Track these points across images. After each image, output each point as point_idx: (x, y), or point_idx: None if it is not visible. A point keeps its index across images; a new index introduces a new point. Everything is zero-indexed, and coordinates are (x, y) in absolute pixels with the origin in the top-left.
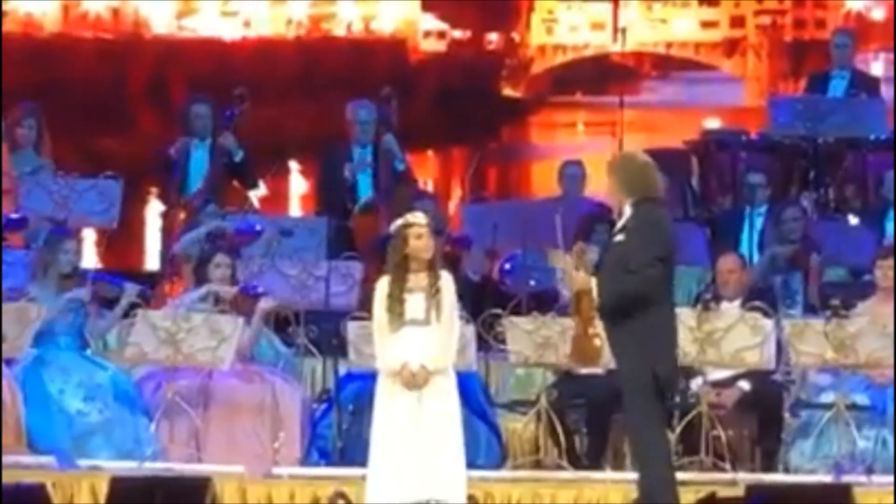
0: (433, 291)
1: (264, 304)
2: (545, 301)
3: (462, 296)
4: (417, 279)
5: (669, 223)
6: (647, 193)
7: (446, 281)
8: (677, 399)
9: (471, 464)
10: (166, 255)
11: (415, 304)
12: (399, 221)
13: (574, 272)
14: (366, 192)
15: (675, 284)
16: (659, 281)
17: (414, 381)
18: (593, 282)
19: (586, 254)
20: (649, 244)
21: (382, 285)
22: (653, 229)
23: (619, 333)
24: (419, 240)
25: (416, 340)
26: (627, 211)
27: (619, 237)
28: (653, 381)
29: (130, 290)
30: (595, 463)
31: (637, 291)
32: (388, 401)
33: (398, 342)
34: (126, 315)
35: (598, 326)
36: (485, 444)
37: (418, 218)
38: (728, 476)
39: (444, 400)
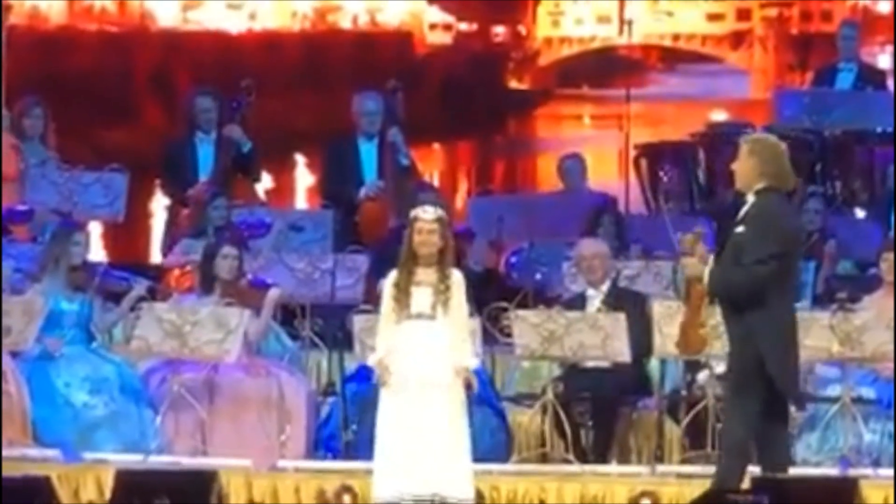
0: (442, 287)
1: (274, 294)
2: (551, 294)
3: (467, 288)
4: (426, 274)
5: (794, 217)
6: (775, 183)
7: (457, 279)
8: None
9: (478, 451)
10: (171, 249)
11: (422, 297)
12: (411, 214)
13: (687, 259)
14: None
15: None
16: (772, 278)
17: (383, 376)
18: (706, 270)
19: (701, 240)
20: (765, 240)
21: (390, 277)
22: (772, 224)
23: (732, 324)
24: (419, 235)
25: (421, 334)
26: (750, 199)
27: (740, 228)
28: (759, 378)
29: (140, 285)
30: (601, 457)
31: (744, 286)
32: (393, 395)
33: (402, 335)
34: (131, 307)
35: (706, 315)
36: (492, 431)
37: (426, 213)
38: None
39: (451, 395)
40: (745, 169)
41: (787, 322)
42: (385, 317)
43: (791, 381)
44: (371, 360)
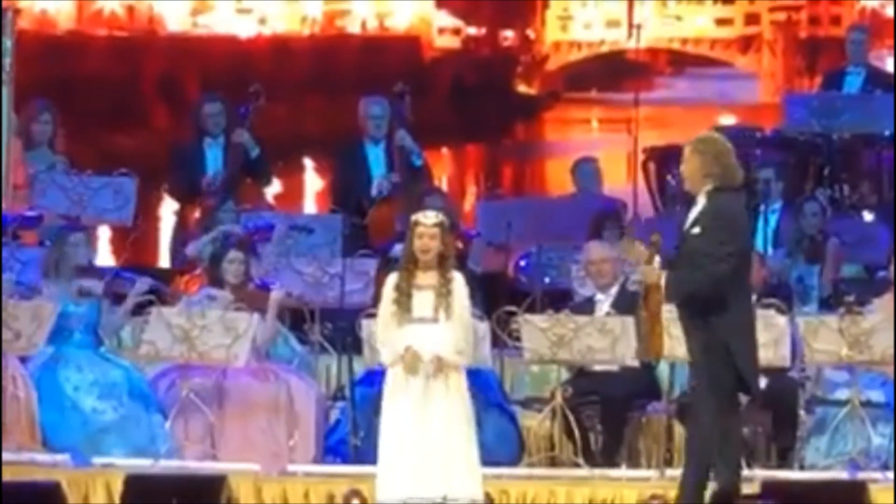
0: (443, 291)
1: (276, 295)
2: (560, 298)
3: (473, 290)
4: (427, 277)
5: (745, 215)
6: (723, 182)
7: (458, 281)
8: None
9: (490, 455)
10: (179, 253)
11: (423, 301)
12: (412, 217)
13: (645, 265)
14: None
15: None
16: (732, 277)
17: (413, 363)
18: (663, 276)
19: (659, 247)
20: (721, 238)
21: (391, 279)
22: (728, 222)
23: (694, 332)
24: (420, 239)
25: (423, 337)
26: (701, 200)
27: (695, 229)
28: (732, 378)
29: (140, 285)
30: (610, 460)
31: (705, 286)
32: (395, 398)
33: (404, 339)
34: (140, 311)
35: (665, 322)
36: (504, 436)
37: (427, 217)
38: (743, 473)
39: (453, 396)
40: (690, 169)
41: (749, 320)
42: (385, 319)
43: (756, 379)
44: (392, 358)
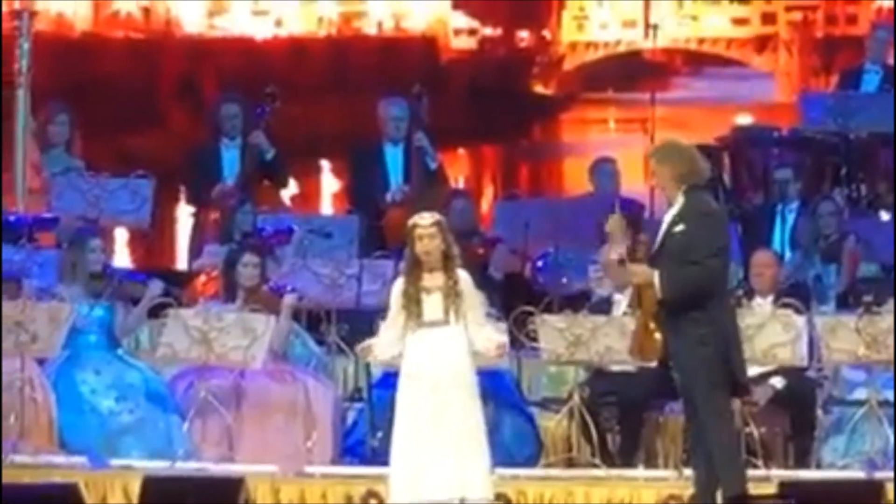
0: (451, 292)
1: (289, 300)
2: (577, 299)
3: (492, 293)
4: (433, 279)
5: (723, 213)
6: (696, 180)
7: (465, 281)
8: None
9: (509, 456)
10: (196, 256)
11: (432, 304)
12: (409, 222)
13: (635, 266)
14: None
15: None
16: (720, 272)
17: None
18: (656, 275)
19: (648, 246)
20: (711, 234)
21: (397, 285)
22: (712, 219)
23: (682, 327)
24: (420, 241)
25: (435, 340)
26: (680, 199)
27: (679, 227)
28: (725, 376)
29: (154, 287)
30: (628, 461)
31: (700, 283)
32: (408, 400)
33: (416, 342)
34: (157, 314)
35: (659, 320)
36: (521, 437)
37: (424, 219)
38: (761, 473)
39: (466, 398)
40: (663, 179)
41: (734, 315)
42: (389, 323)
43: (746, 376)
44: (379, 353)
